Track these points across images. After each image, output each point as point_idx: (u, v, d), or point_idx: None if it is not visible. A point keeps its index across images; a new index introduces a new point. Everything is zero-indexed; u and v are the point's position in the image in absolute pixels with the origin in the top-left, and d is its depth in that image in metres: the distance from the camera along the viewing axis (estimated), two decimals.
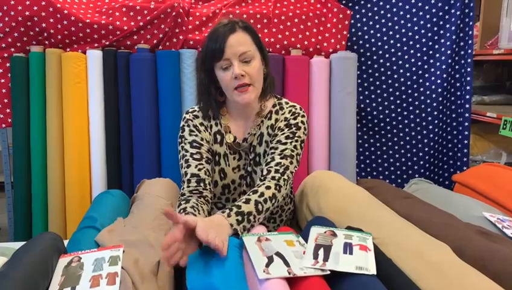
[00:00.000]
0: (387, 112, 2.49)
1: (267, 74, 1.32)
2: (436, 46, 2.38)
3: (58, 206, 2.18)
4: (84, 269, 0.92)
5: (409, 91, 2.44)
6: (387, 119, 2.51)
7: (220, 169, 1.34)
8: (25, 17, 2.13)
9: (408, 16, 2.39)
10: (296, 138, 1.31)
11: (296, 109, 1.37)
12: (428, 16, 2.37)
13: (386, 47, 2.43)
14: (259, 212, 1.16)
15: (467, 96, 2.27)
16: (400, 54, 2.42)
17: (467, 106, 2.27)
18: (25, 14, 2.12)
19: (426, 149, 2.48)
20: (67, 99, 2.17)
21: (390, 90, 2.47)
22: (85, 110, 2.19)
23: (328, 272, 0.91)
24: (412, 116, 2.47)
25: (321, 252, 0.98)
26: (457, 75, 2.34)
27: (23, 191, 2.20)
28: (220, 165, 1.34)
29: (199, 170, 1.26)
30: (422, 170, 2.51)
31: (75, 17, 2.14)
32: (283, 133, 1.32)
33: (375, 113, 2.51)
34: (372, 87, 2.50)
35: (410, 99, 2.45)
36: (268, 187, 1.21)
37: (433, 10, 2.35)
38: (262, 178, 1.25)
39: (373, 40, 2.45)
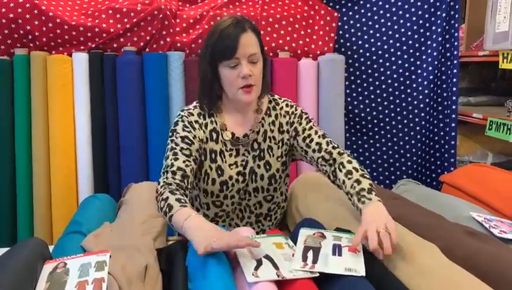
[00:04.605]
0: (375, 113, 2.51)
1: (264, 74, 1.36)
2: (423, 48, 2.41)
3: (44, 212, 2.14)
4: (69, 275, 0.90)
5: (396, 92, 2.47)
6: (375, 121, 2.52)
7: (216, 166, 1.34)
8: (9, 20, 2.09)
9: (395, 18, 2.42)
10: (313, 122, 1.42)
11: (289, 101, 1.46)
12: (414, 18, 2.39)
13: (374, 49, 2.45)
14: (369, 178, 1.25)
15: (454, 98, 2.29)
16: (387, 55, 2.44)
17: (454, 107, 2.29)
18: (9, 16, 2.09)
19: (414, 150, 2.50)
20: (53, 103, 2.14)
21: (378, 91, 2.49)
22: (71, 113, 2.16)
23: (317, 274, 0.91)
24: (399, 118, 2.49)
25: (310, 254, 0.98)
26: (443, 77, 2.37)
27: (8, 195, 2.16)
28: (216, 162, 1.35)
29: (186, 166, 1.26)
30: (410, 171, 2.53)
31: (61, 20, 2.12)
32: (309, 128, 1.38)
33: (363, 114, 2.52)
34: (359, 89, 2.51)
35: (397, 101, 2.47)
36: (349, 161, 1.28)
37: (419, 12, 2.38)
38: (331, 161, 1.31)
39: (360, 42, 2.46)
